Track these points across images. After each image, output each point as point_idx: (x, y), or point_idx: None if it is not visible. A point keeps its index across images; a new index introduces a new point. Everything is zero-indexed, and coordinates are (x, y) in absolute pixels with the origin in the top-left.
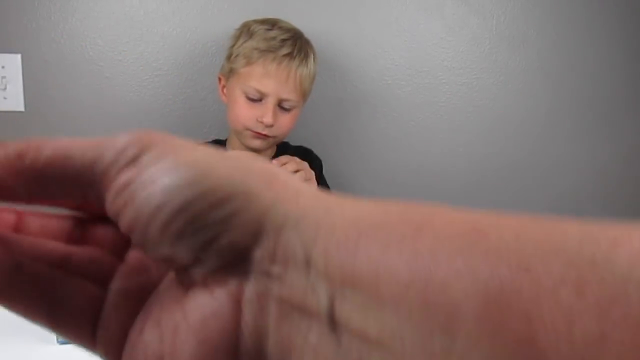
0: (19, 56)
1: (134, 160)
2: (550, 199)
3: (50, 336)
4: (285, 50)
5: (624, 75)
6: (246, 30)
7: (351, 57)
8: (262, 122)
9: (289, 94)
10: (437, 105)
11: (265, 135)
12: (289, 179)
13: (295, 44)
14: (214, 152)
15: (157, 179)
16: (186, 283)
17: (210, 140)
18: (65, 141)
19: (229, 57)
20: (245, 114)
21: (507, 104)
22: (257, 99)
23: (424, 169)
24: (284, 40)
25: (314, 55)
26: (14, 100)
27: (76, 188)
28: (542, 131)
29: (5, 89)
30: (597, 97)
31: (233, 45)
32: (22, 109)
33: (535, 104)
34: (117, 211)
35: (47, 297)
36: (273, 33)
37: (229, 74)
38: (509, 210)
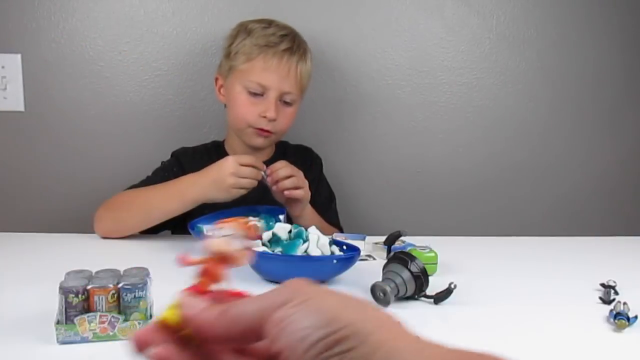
0: (19, 56)
1: (285, 302)
2: (550, 199)
3: (51, 336)
4: (284, 46)
5: (623, 75)
6: (243, 29)
7: (351, 57)
8: (265, 117)
9: (290, 88)
10: (437, 105)
11: (267, 131)
12: (400, 325)
13: (294, 41)
14: (344, 298)
15: (303, 319)
16: None
17: (209, 142)
18: (240, 308)
19: (227, 56)
20: (247, 110)
21: (507, 104)
22: (259, 94)
23: (424, 169)
24: (282, 37)
25: (310, 53)
26: (14, 100)
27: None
28: (542, 131)
29: (5, 89)
30: (597, 97)
31: (231, 44)
32: (22, 109)
33: (535, 104)
34: (273, 338)
35: None
36: (271, 30)
37: (227, 72)
38: (509, 210)
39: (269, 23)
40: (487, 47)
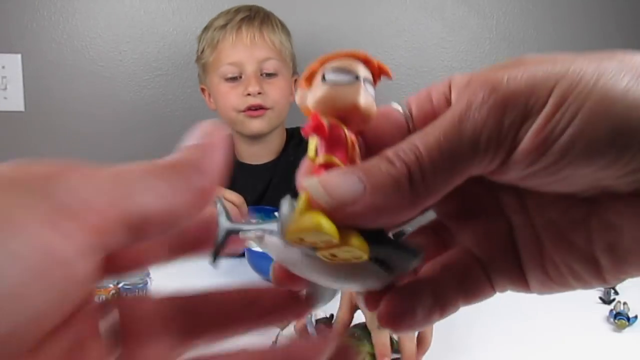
0: (19, 56)
1: None
2: None
3: None
4: (241, 16)
5: None
6: (203, 29)
7: None
8: (248, 94)
9: (263, 55)
10: None
11: (258, 106)
12: None
13: (250, 9)
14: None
15: None
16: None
17: None
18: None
19: (198, 61)
20: (229, 95)
21: None
22: (236, 76)
23: None
24: (236, 11)
25: (276, 19)
26: (14, 100)
27: None
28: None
29: (5, 89)
30: None
31: (198, 50)
32: (22, 109)
33: None
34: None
35: None
36: (225, 12)
37: (204, 75)
38: None
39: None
40: (487, 47)
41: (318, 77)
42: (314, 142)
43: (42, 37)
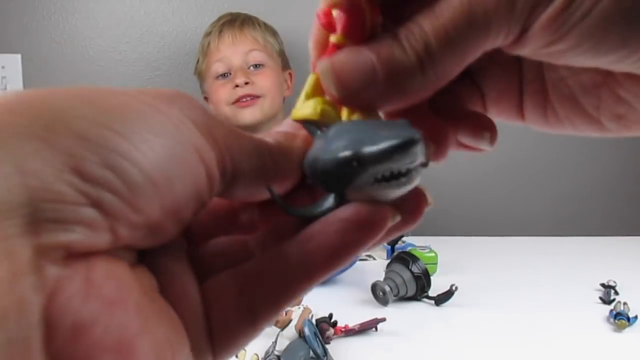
0: (19, 56)
1: None
2: (550, 199)
3: None
4: (223, 20)
5: None
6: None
7: None
8: (237, 86)
9: (247, 48)
10: None
11: (247, 95)
12: None
13: (232, 14)
14: None
15: None
16: None
17: None
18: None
19: (196, 71)
20: (220, 92)
21: None
22: (225, 72)
23: (424, 169)
24: (221, 17)
25: (262, 22)
26: None
27: None
28: (540, 131)
29: (5, 89)
30: None
31: (196, 61)
32: None
33: None
34: None
35: None
36: (215, 20)
37: (202, 83)
38: (507, 210)
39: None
40: None
41: None
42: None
43: (42, 37)
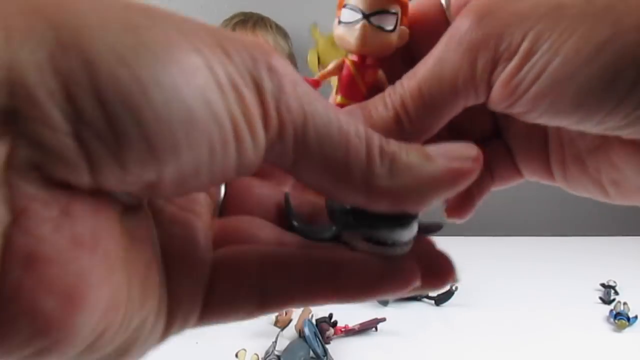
0: None
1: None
2: (550, 198)
3: None
4: (236, 19)
5: None
6: None
7: None
8: None
9: None
10: None
11: None
12: None
13: (245, 14)
14: None
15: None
16: None
17: None
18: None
19: None
20: None
21: None
22: None
23: None
24: (234, 17)
25: (274, 23)
26: None
27: None
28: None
29: None
30: None
31: None
32: None
33: None
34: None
35: None
36: (226, 19)
37: None
38: (507, 209)
39: None
40: None
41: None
42: (335, 83)
43: None
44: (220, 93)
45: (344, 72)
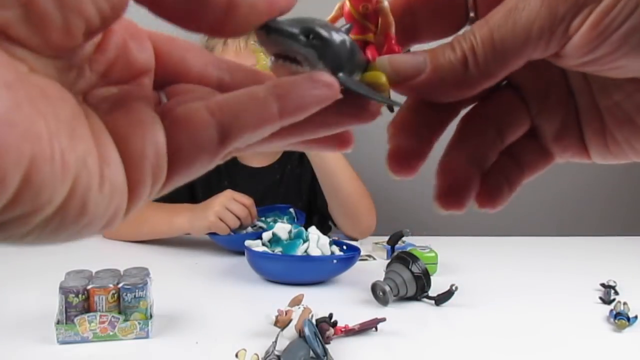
0: None
1: None
2: (550, 198)
3: (51, 336)
4: None
5: None
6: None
7: None
8: None
9: (251, 64)
10: None
11: None
12: None
13: None
14: None
15: None
16: None
17: None
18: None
19: None
20: None
21: None
22: None
23: (425, 168)
24: None
25: None
26: None
27: None
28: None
29: None
30: None
31: None
32: None
33: None
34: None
35: None
36: None
37: None
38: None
39: None
40: None
41: None
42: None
43: None
44: None
45: (345, 13)
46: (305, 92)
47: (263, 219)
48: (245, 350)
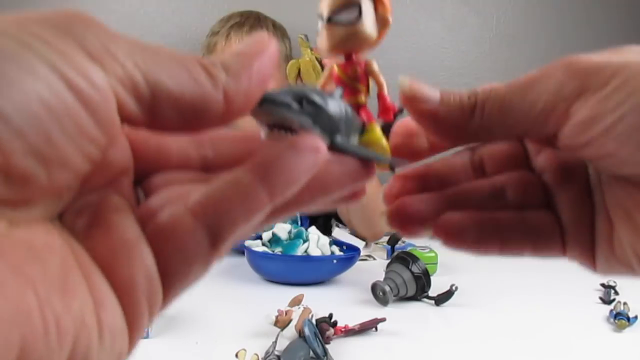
0: None
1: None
2: None
3: None
4: (231, 23)
5: None
6: (207, 35)
7: None
8: None
9: None
10: None
11: None
12: None
13: (242, 15)
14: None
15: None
16: None
17: None
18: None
19: None
20: None
21: None
22: None
23: None
24: (230, 17)
25: (271, 23)
26: None
27: None
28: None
29: None
30: None
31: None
32: None
33: None
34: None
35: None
36: (223, 18)
37: None
38: None
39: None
40: (487, 47)
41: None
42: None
43: None
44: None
45: (334, 77)
46: (291, 164)
47: None
48: (245, 350)
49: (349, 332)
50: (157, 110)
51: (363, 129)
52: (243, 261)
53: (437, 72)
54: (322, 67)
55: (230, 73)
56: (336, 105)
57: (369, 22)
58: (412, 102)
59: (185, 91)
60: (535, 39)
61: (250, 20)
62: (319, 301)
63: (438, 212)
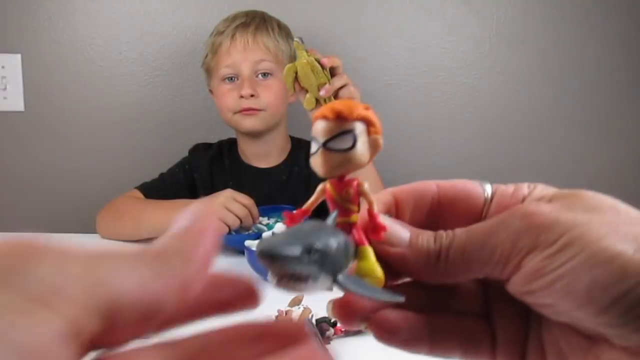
0: (19, 56)
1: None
2: None
3: None
4: (238, 22)
5: (624, 75)
6: (210, 35)
7: (351, 57)
8: (242, 96)
9: (257, 56)
10: (437, 105)
11: (251, 108)
12: None
13: (247, 15)
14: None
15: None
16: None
17: (226, 138)
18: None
19: (203, 65)
20: (225, 97)
21: (507, 104)
22: (232, 76)
23: (424, 169)
24: (235, 17)
25: (273, 23)
26: (14, 100)
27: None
28: (541, 131)
29: (5, 89)
30: (597, 97)
31: (203, 55)
32: (22, 109)
33: (535, 104)
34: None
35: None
36: (227, 18)
37: (208, 78)
38: None
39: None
40: (487, 47)
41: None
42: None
43: (41, 37)
44: None
45: (327, 195)
46: None
47: (266, 218)
48: None
49: (349, 332)
50: (116, 324)
51: (356, 252)
52: (243, 261)
53: (437, 72)
54: (322, 66)
55: (186, 261)
56: (338, 244)
57: (362, 148)
58: (386, 244)
59: (144, 296)
60: (535, 39)
61: (256, 21)
62: (319, 301)
63: (379, 307)
